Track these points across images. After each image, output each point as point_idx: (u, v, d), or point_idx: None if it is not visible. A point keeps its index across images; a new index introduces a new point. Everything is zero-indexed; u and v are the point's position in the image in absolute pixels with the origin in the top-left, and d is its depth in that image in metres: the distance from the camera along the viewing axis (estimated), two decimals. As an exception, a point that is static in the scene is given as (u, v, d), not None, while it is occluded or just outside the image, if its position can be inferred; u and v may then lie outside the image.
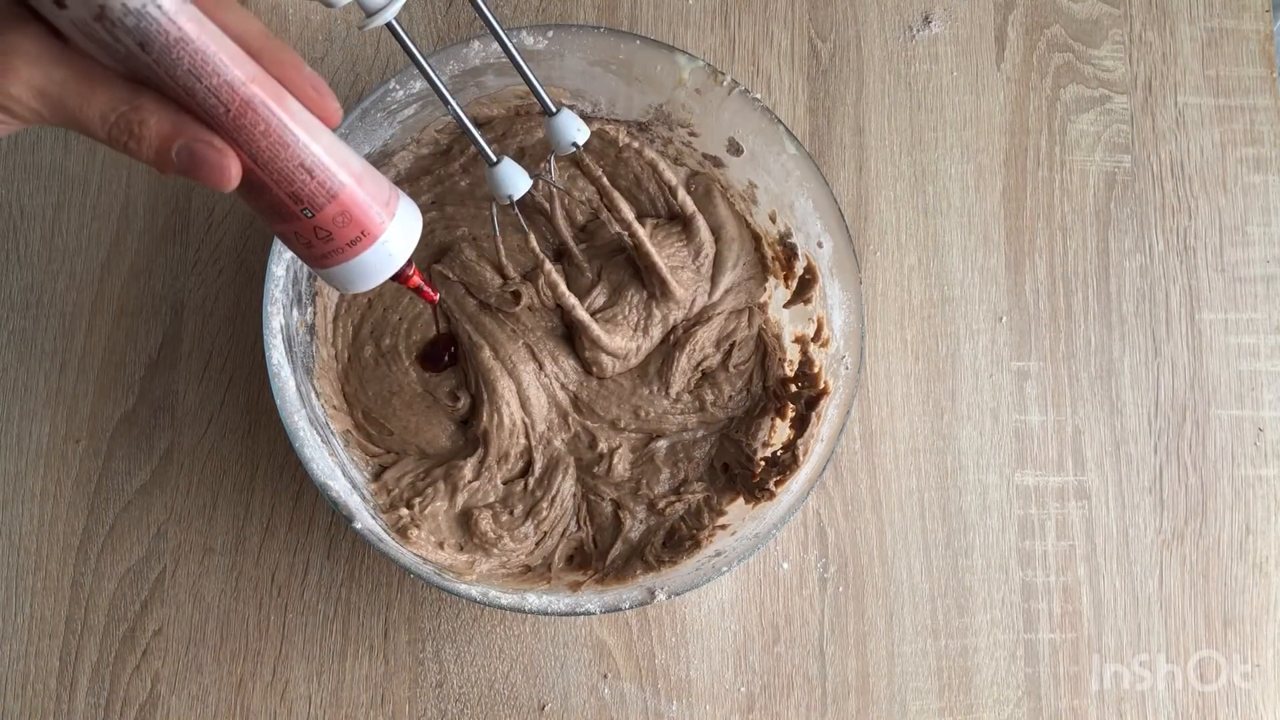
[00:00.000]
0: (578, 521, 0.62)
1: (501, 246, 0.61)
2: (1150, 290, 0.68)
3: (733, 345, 0.63)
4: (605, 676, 0.62)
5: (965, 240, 0.68)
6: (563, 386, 0.62)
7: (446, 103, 0.49)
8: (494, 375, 0.60)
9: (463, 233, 0.63)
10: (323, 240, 0.38)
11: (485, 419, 0.60)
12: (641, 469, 0.62)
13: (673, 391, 0.62)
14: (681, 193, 0.62)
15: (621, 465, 0.62)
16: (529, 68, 0.50)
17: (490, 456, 0.61)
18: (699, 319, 0.63)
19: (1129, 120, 0.70)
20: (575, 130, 0.53)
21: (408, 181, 0.63)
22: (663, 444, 0.63)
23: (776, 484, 0.58)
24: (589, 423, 0.62)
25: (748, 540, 0.56)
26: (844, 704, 0.63)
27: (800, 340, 0.62)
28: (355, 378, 0.62)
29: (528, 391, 0.61)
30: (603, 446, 0.62)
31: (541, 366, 0.62)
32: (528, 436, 0.61)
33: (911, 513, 0.65)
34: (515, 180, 0.52)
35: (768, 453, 0.61)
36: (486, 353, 0.61)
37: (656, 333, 0.62)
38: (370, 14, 0.42)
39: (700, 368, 0.63)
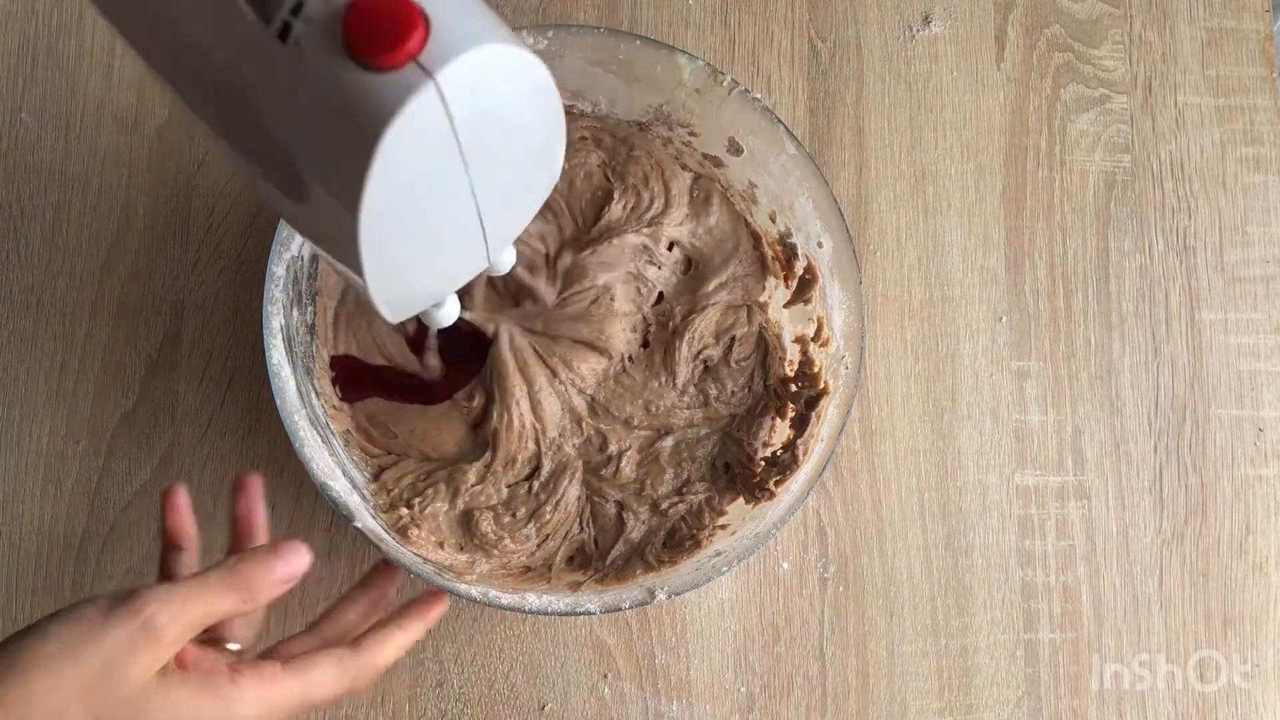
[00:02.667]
0: (580, 524, 0.62)
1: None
2: (1150, 290, 0.68)
3: (733, 340, 0.63)
4: (605, 676, 0.62)
5: (965, 240, 0.68)
6: (580, 391, 0.62)
7: None
8: (507, 369, 0.60)
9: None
10: None
11: (495, 418, 0.60)
12: (646, 469, 0.62)
13: (679, 382, 0.62)
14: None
15: (629, 467, 0.62)
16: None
17: (497, 462, 0.60)
18: (694, 307, 0.63)
19: (1129, 120, 0.70)
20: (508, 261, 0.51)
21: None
22: (668, 443, 0.63)
23: (776, 484, 0.58)
24: (603, 425, 0.62)
25: (748, 540, 0.56)
26: (844, 704, 0.63)
27: (800, 340, 0.62)
28: (355, 378, 0.62)
29: (539, 395, 0.61)
30: (613, 448, 0.62)
31: (555, 374, 0.62)
32: (538, 442, 0.61)
33: (911, 513, 0.65)
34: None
35: (768, 452, 0.61)
36: (502, 344, 0.61)
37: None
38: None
39: (701, 358, 0.63)
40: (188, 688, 0.37)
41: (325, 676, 0.41)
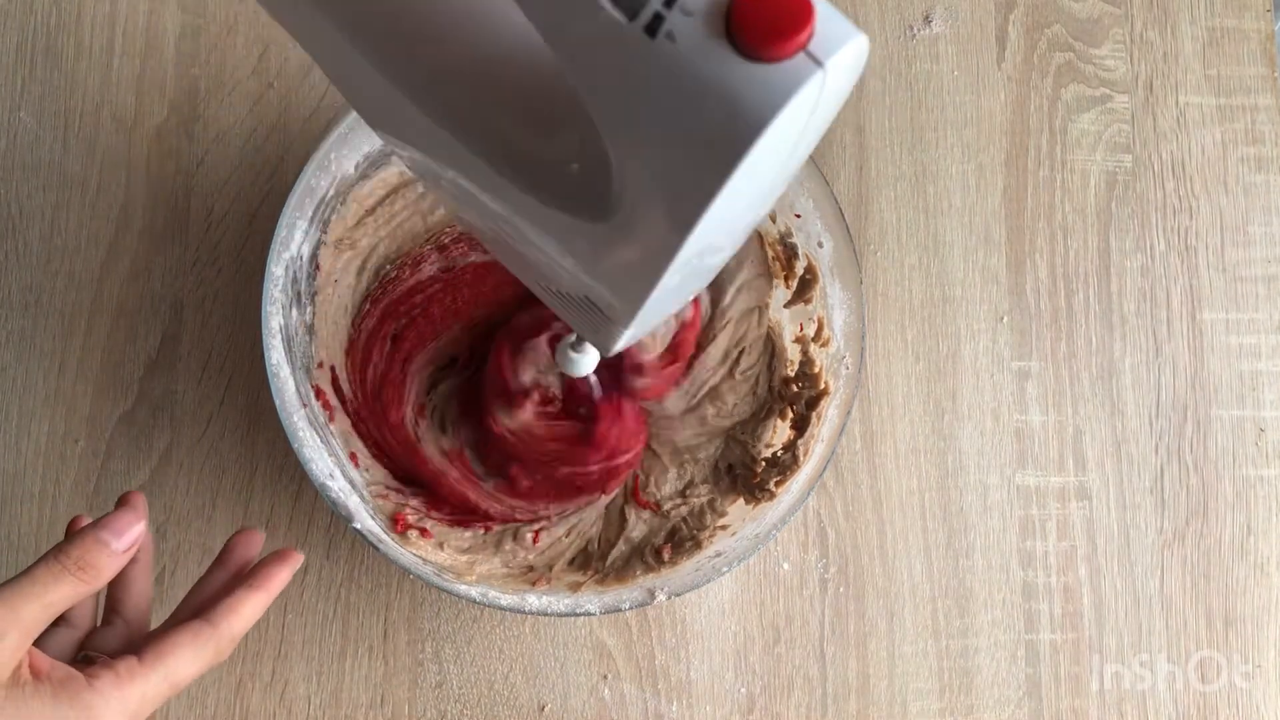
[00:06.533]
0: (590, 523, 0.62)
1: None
2: (1151, 290, 0.68)
3: (741, 352, 0.63)
4: (605, 677, 0.62)
5: (966, 240, 0.68)
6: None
7: None
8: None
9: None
10: None
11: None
12: (648, 466, 0.62)
13: (669, 410, 0.63)
14: None
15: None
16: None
17: None
18: (710, 331, 0.63)
19: (1130, 120, 0.70)
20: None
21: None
22: (666, 447, 0.63)
23: (777, 484, 0.58)
24: None
25: (748, 541, 0.56)
26: (844, 704, 0.62)
27: (801, 340, 0.62)
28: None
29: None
30: None
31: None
32: None
33: (912, 513, 0.65)
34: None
35: (768, 453, 0.61)
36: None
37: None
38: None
39: (704, 391, 0.63)
40: (43, 698, 0.36)
41: (183, 658, 0.39)
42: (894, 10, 0.70)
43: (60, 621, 0.42)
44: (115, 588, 0.45)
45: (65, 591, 0.37)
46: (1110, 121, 0.70)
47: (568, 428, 0.59)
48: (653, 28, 0.26)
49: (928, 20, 0.70)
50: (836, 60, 0.27)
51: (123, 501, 0.45)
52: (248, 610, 0.42)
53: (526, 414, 0.58)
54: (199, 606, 0.43)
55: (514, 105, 0.31)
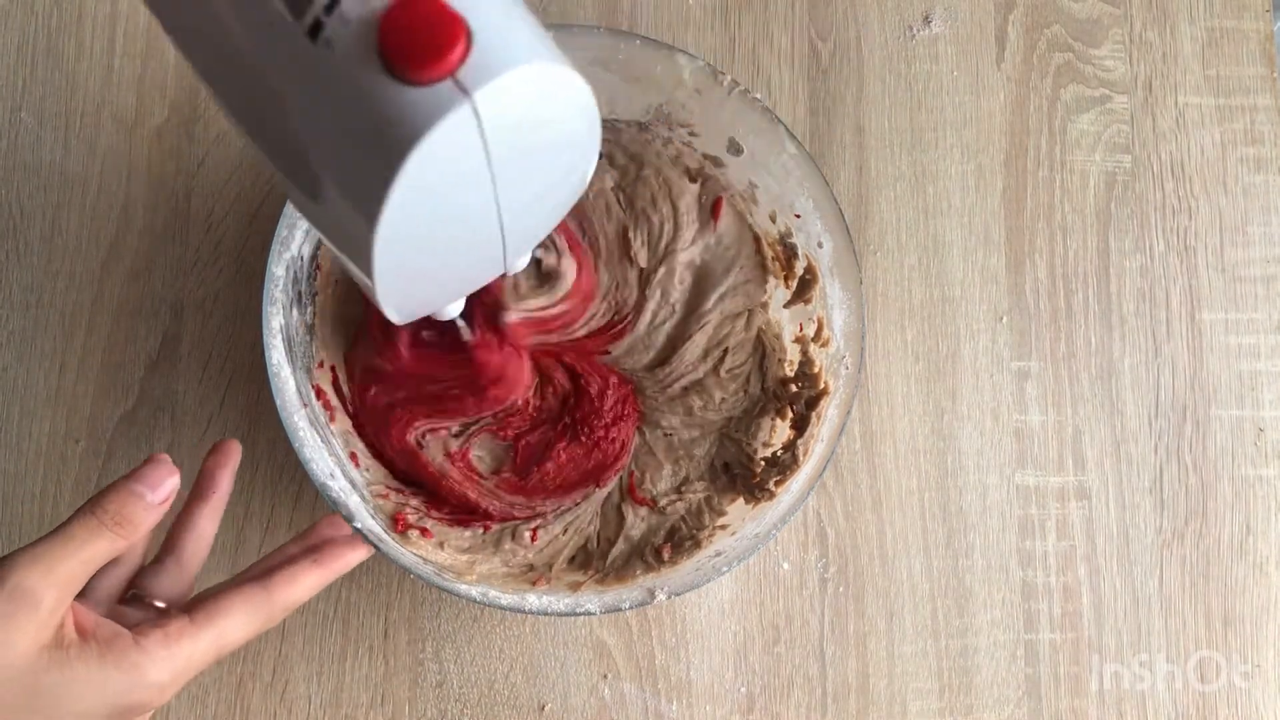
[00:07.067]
0: (587, 518, 0.62)
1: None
2: (1150, 290, 0.68)
3: (725, 351, 0.63)
4: (605, 677, 0.62)
5: (965, 240, 0.68)
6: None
7: None
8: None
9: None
10: None
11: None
12: (644, 461, 0.62)
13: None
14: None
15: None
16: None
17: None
18: (680, 336, 0.63)
19: (1129, 120, 0.70)
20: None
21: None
22: (660, 435, 0.63)
23: (776, 484, 0.58)
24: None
25: (748, 540, 0.56)
26: (844, 704, 0.63)
27: (800, 340, 0.62)
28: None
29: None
30: None
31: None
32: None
33: (912, 513, 0.65)
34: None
35: (768, 453, 0.61)
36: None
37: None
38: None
39: (680, 384, 0.63)
40: (88, 659, 0.34)
41: (235, 620, 0.38)
42: (894, 10, 0.70)
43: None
44: (177, 529, 0.44)
45: (102, 547, 0.36)
46: (1109, 122, 0.70)
47: (445, 359, 0.58)
48: (314, 31, 0.27)
49: (927, 20, 0.70)
50: (491, 90, 0.26)
51: (217, 448, 0.45)
52: (306, 582, 0.41)
53: (403, 345, 0.58)
54: (259, 574, 0.42)
55: (250, 79, 0.32)
